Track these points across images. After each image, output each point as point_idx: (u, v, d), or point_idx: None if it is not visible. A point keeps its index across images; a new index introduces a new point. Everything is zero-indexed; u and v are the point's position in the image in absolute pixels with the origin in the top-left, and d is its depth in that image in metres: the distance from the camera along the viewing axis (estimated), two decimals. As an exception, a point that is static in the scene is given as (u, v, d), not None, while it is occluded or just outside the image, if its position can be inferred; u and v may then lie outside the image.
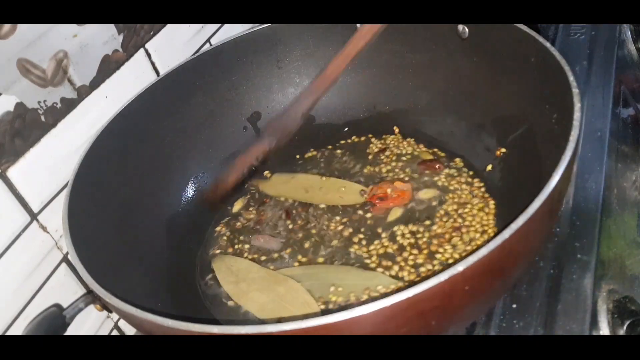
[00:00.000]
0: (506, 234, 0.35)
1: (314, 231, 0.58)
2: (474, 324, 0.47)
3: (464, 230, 0.54)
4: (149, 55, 0.61)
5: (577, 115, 0.42)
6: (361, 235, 0.56)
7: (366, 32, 0.54)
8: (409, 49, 0.62)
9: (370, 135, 0.67)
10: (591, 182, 0.56)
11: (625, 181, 0.62)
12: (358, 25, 0.55)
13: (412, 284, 0.47)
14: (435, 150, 0.63)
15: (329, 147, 0.67)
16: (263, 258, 0.57)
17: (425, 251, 0.53)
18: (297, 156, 0.67)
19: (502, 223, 0.53)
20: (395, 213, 0.57)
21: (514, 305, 0.48)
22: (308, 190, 0.62)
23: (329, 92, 0.64)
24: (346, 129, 0.68)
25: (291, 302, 0.51)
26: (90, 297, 0.46)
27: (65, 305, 0.47)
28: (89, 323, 0.56)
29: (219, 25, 0.71)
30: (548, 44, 0.48)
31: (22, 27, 0.47)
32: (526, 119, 0.53)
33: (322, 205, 0.60)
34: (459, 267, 0.33)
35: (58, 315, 0.45)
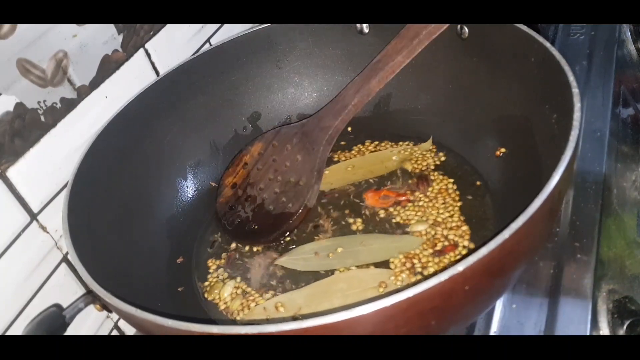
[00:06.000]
0: (506, 234, 0.35)
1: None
2: (474, 324, 0.47)
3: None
4: (148, 55, 0.61)
5: (577, 115, 0.42)
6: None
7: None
8: (409, 49, 0.62)
9: (372, 136, 0.67)
10: (591, 182, 0.56)
11: (625, 181, 0.62)
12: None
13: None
14: (434, 151, 0.63)
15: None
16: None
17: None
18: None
19: (502, 223, 0.53)
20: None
21: (514, 305, 0.48)
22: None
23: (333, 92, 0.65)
24: (349, 129, 0.68)
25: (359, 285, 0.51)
26: (90, 297, 0.45)
27: (65, 305, 0.46)
28: (89, 323, 0.56)
29: (219, 25, 0.71)
30: (548, 44, 0.48)
31: (22, 27, 0.47)
32: (526, 119, 0.53)
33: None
34: (459, 267, 0.33)
35: (58, 315, 0.45)
